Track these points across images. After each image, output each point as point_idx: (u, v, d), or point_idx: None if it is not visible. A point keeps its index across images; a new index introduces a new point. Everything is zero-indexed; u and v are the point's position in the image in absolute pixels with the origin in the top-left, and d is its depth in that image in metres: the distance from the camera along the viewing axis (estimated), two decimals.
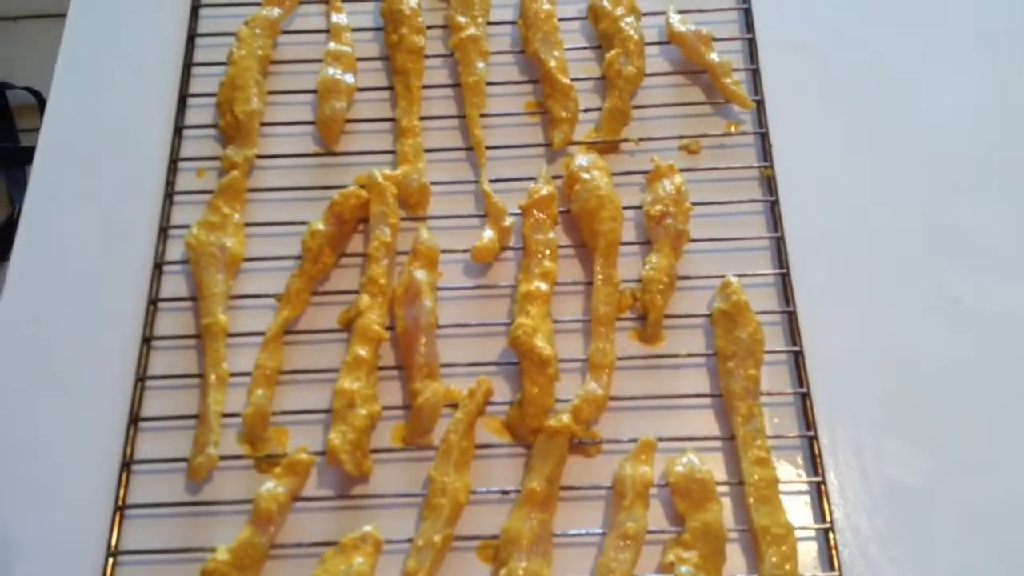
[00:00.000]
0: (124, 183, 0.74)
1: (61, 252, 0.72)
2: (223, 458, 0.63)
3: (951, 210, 0.72)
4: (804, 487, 0.63)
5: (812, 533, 0.62)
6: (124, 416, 0.65)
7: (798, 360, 0.66)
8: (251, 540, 0.59)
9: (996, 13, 0.81)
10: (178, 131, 0.75)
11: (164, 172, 0.73)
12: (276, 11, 0.77)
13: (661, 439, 0.63)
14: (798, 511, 0.62)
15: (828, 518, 0.61)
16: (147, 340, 0.67)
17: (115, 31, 0.81)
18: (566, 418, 0.62)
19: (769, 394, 0.65)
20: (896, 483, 0.63)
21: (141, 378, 0.66)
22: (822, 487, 0.62)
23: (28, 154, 1.62)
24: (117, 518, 0.62)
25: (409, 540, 0.60)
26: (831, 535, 0.61)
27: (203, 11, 0.80)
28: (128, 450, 0.64)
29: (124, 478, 0.63)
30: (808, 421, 0.64)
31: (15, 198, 1.57)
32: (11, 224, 1.53)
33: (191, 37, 0.79)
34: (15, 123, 1.65)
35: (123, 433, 0.64)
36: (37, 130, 1.64)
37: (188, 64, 0.77)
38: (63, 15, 0.83)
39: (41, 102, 1.63)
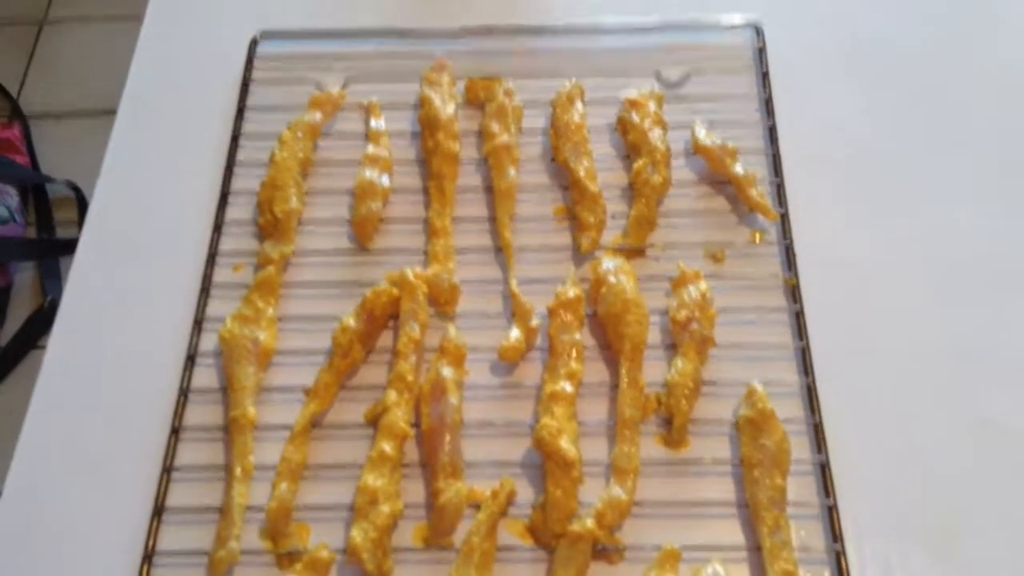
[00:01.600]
0: (162, 276, 0.76)
1: (96, 341, 0.73)
2: (244, 553, 0.63)
3: (978, 324, 0.72)
4: None
5: None
6: (148, 507, 0.65)
7: (824, 471, 0.66)
8: None
9: (1017, 128, 0.83)
10: (218, 227, 0.77)
11: (202, 266, 0.75)
12: (318, 116, 0.81)
13: (685, 547, 0.62)
14: None
15: None
16: (175, 431, 0.68)
17: (163, 129, 0.84)
18: (590, 523, 0.62)
19: (795, 504, 0.64)
20: None
21: (167, 468, 0.66)
22: None
23: (64, 246, 1.67)
24: None
25: None
26: None
27: (248, 114, 0.83)
28: (150, 542, 0.64)
29: (145, 570, 0.63)
30: (835, 534, 0.63)
31: (48, 289, 1.61)
32: (42, 313, 1.56)
33: (235, 137, 0.82)
34: (53, 215, 1.71)
35: (147, 524, 0.64)
36: (74, 223, 1.70)
37: (231, 163, 0.80)
38: (105, 112, 0.87)
39: (79, 195, 1.69)
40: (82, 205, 1.69)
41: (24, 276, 1.65)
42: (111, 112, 0.85)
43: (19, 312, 1.60)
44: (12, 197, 1.63)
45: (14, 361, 1.55)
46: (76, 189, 1.69)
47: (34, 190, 1.70)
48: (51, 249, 1.66)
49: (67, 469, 0.67)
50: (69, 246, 1.45)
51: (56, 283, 1.62)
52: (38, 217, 1.69)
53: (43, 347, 0.72)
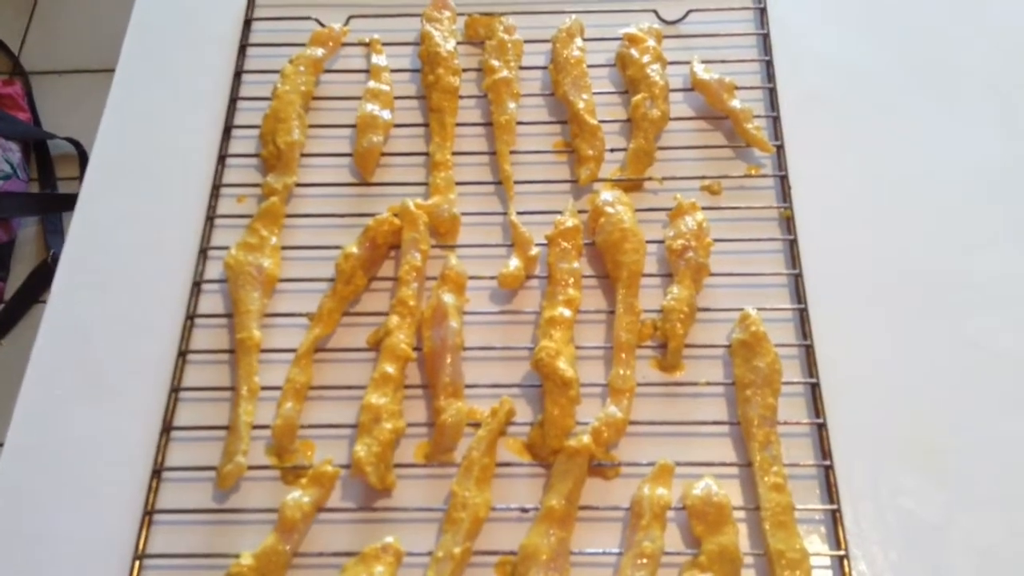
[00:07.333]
0: (168, 207, 0.77)
1: (105, 269, 0.75)
2: (250, 468, 0.64)
3: (963, 252, 0.74)
4: (819, 515, 0.64)
5: (827, 561, 0.62)
6: (158, 425, 0.67)
7: (815, 392, 0.67)
8: (275, 547, 0.61)
9: (1010, 64, 0.84)
10: (221, 159, 0.78)
11: (207, 197, 0.76)
12: (320, 51, 0.82)
13: (679, 464, 0.64)
14: (813, 539, 0.63)
15: (843, 546, 0.62)
16: (183, 353, 0.70)
17: (166, 66, 0.85)
18: (586, 439, 0.63)
19: (786, 423, 0.66)
20: (910, 516, 0.64)
21: (175, 389, 0.68)
22: (837, 515, 0.63)
23: (66, 201, 1.68)
24: (146, 522, 0.63)
25: (429, 553, 0.61)
26: (846, 563, 0.61)
27: (250, 50, 0.84)
28: (159, 457, 0.66)
29: (154, 484, 0.65)
30: (824, 451, 0.65)
31: (51, 244, 1.62)
32: (45, 268, 1.57)
33: (238, 73, 0.83)
34: (55, 171, 1.71)
35: (156, 441, 0.66)
36: (76, 178, 1.70)
37: (234, 98, 0.81)
38: (106, 70, 0.87)
39: (80, 152, 1.69)
40: (83, 162, 1.69)
41: (27, 231, 1.66)
42: (113, 70, 0.85)
43: (22, 267, 1.61)
44: (15, 153, 1.64)
45: (18, 315, 1.57)
46: (78, 145, 1.70)
47: (36, 146, 1.71)
48: (53, 204, 1.67)
49: (80, 390, 0.69)
50: (71, 201, 1.46)
51: (58, 238, 1.63)
52: (40, 173, 1.70)
53: (46, 302, 0.73)
